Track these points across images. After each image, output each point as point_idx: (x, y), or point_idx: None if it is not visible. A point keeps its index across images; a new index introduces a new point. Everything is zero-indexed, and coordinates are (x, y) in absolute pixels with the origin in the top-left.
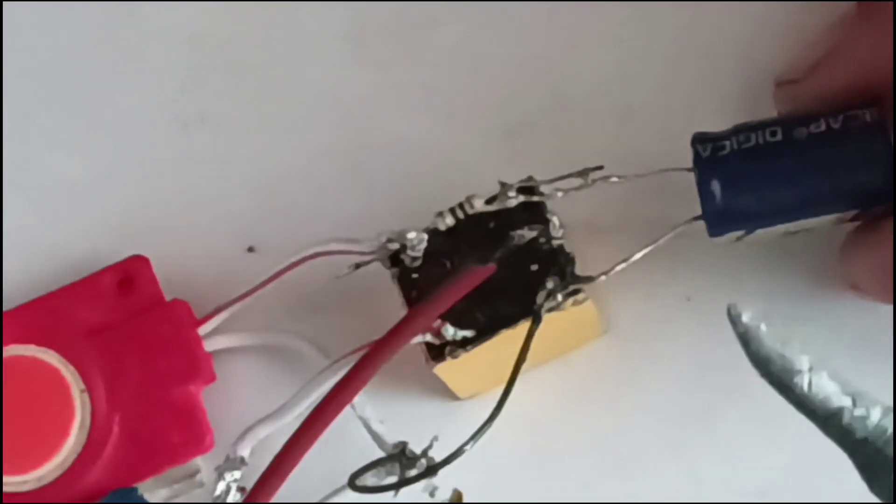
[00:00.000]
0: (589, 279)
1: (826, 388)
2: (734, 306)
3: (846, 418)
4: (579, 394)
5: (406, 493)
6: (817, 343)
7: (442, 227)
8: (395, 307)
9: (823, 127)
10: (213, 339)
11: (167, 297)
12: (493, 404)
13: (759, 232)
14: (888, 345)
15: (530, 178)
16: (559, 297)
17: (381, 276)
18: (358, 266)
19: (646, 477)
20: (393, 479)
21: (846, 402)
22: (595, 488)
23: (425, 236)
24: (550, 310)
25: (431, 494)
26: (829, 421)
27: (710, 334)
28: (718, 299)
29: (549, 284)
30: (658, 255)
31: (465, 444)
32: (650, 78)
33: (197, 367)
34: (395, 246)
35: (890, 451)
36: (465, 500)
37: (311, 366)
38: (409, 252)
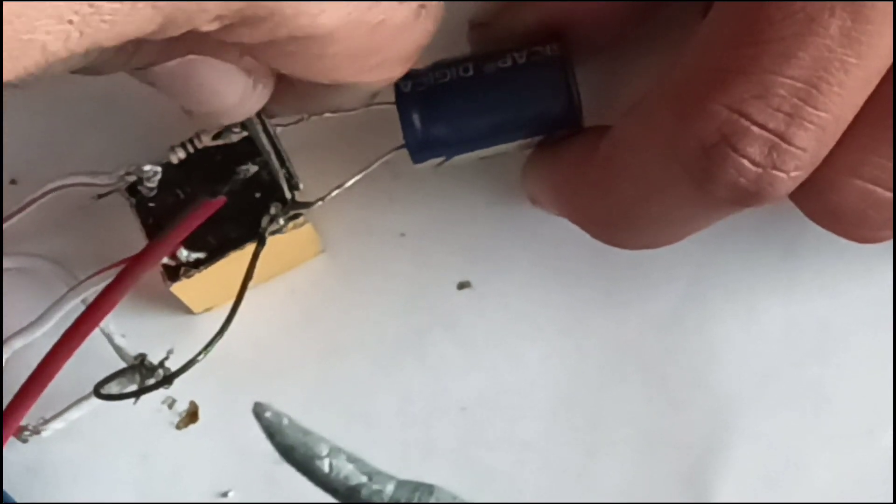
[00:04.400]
0: (307, 204)
1: (345, 468)
2: (258, 405)
3: (364, 493)
4: (301, 314)
5: (147, 407)
6: (499, 251)
7: (174, 160)
8: (135, 232)
9: (510, 62)
10: None
11: None
12: (224, 318)
13: (457, 157)
14: (562, 249)
15: None
16: (281, 221)
17: (123, 204)
18: (100, 196)
19: (359, 396)
20: (134, 388)
21: (363, 479)
22: (312, 407)
23: (159, 169)
24: (273, 232)
25: (170, 407)
26: (350, 497)
27: (421, 267)
28: (429, 237)
29: (272, 210)
30: (377, 195)
31: (198, 354)
32: None
33: None
34: (132, 178)
35: None
36: (200, 412)
37: (60, 286)
38: (146, 183)
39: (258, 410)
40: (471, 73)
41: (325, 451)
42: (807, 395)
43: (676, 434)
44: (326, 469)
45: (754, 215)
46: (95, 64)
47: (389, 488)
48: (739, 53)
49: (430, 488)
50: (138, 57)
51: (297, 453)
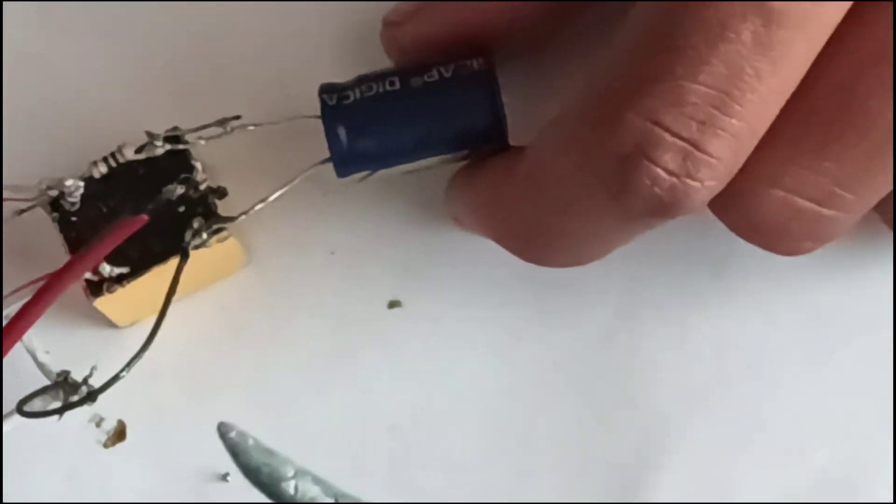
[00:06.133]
0: (230, 219)
1: (311, 490)
2: (223, 424)
3: None
4: (230, 331)
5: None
6: (430, 270)
7: (97, 175)
8: (58, 246)
9: (436, 76)
10: None
11: None
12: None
13: (382, 171)
14: (494, 268)
15: (175, 128)
16: (204, 235)
17: (47, 218)
18: (22, 211)
19: (289, 415)
20: (57, 405)
21: (329, 500)
22: (240, 426)
23: (81, 183)
24: (197, 247)
25: (98, 425)
26: None
27: (351, 285)
28: (360, 255)
29: (195, 224)
30: (307, 211)
31: (121, 371)
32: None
33: None
34: (54, 192)
35: None
36: (128, 431)
37: None
38: (68, 198)
39: (223, 430)
40: (397, 86)
41: (290, 473)
42: (739, 414)
43: (608, 454)
44: (292, 491)
45: (684, 232)
46: None
47: None
48: (653, 61)
49: None
50: None
51: (262, 475)
